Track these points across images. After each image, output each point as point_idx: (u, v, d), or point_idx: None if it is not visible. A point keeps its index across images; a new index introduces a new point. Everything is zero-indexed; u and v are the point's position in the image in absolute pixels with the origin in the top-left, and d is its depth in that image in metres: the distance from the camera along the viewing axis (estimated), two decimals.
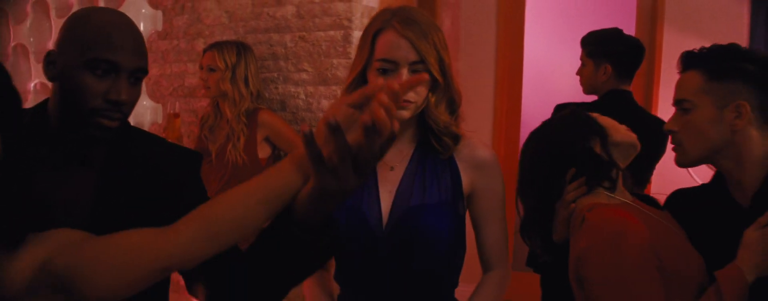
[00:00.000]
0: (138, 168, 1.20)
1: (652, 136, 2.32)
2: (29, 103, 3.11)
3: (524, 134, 2.90)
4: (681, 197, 1.55)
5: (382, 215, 1.39)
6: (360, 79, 1.37)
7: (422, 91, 1.34)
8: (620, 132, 1.50)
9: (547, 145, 1.49)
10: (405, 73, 1.30)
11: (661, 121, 2.61)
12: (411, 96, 1.32)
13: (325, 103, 2.52)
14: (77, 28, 1.17)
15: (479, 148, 1.43)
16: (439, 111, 1.37)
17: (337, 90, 2.50)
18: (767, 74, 1.38)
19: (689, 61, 1.43)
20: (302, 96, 2.60)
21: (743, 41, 3.76)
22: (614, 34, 2.50)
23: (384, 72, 1.31)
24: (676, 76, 2.58)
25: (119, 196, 1.16)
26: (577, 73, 2.58)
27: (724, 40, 3.42)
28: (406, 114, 1.33)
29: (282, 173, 0.88)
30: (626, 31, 3.40)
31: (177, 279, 3.07)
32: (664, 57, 3.70)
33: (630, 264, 1.27)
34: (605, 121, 1.51)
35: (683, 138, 1.42)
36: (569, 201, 1.44)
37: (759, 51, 1.42)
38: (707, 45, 3.05)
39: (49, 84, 1.23)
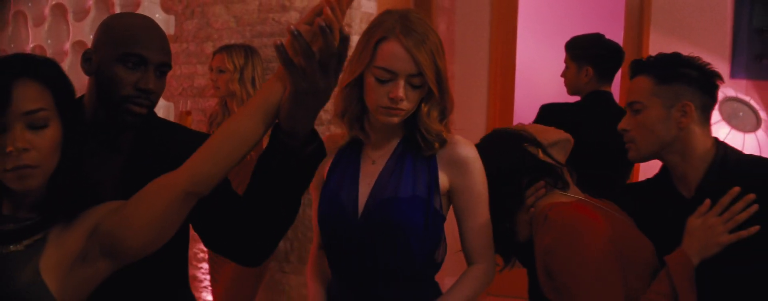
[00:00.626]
0: (161, 153, 1.35)
1: None
2: None
3: None
4: (629, 191, 1.71)
5: (358, 206, 1.45)
6: (356, 83, 1.42)
7: (415, 99, 1.39)
8: (550, 132, 1.64)
9: (494, 170, 1.55)
10: (402, 84, 1.36)
11: None
12: (404, 105, 1.38)
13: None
14: (111, 28, 1.35)
15: (459, 146, 1.46)
16: (431, 119, 1.42)
17: (336, 90, 2.67)
18: (707, 78, 1.55)
19: (638, 67, 1.59)
20: None
21: (727, 44, 3.91)
22: (595, 39, 2.66)
23: (382, 80, 1.36)
24: None
25: (144, 177, 1.34)
26: (562, 75, 2.74)
27: (708, 42, 3.59)
28: (396, 120, 1.40)
29: (264, 87, 1.07)
30: (615, 35, 3.54)
31: (194, 273, 3.21)
32: None
33: (593, 257, 1.38)
34: (531, 127, 1.64)
35: (635, 136, 1.57)
36: (529, 205, 1.54)
37: (698, 58, 1.58)
38: (692, 47, 3.22)
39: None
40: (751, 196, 1.43)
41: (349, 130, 1.49)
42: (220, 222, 1.22)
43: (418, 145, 1.45)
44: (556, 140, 1.64)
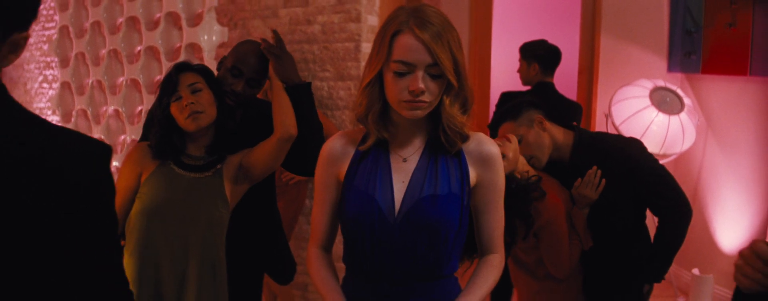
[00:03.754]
0: (256, 119, 2.15)
1: (572, 116, 3.36)
2: (122, 89, 4.16)
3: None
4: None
5: (394, 204, 1.42)
6: (377, 78, 1.40)
7: (436, 90, 1.36)
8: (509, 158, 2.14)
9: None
10: (420, 75, 1.33)
11: (577, 104, 3.65)
12: (426, 97, 1.35)
13: (343, 94, 3.57)
14: (235, 48, 2.17)
15: (485, 143, 1.47)
16: (454, 111, 1.39)
17: (351, 85, 3.54)
18: (534, 100, 2.35)
19: (497, 120, 2.36)
20: (325, 89, 3.62)
21: (664, 43, 4.67)
22: (540, 42, 3.53)
23: (400, 73, 1.34)
24: (610, 74, 3.66)
25: (250, 136, 2.11)
26: (517, 71, 3.63)
27: (649, 43, 4.45)
28: (420, 113, 1.38)
29: (272, 80, 2.03)
30: (572, 39, 4.35)
31: None
32: (602, 58, 4.56)
33: (563, 226, 2.20)
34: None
35: (532, 154, 2.31)
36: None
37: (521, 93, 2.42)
38: (636, 46, 4.14)
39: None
40: (594, 167, 2.24)
41: (375, 131, 1.45)
42: (291, 152, 2.06)
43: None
44: (517, 160, 2.15)
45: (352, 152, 1.49)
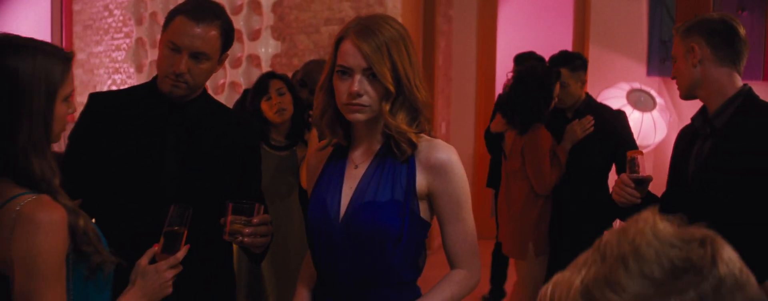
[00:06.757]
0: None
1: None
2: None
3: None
4: None
5: (340, 209, 1.44)
6: (326, 85, 1.45)
7: (374, 95, 1.37)
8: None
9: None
10: (357, 78, 1.37)
11: None
12: (364, 100, 1.37)
13: None
14: (305, 65, 3.05)
15: (437, 150, 1.42)
16: (396, 119, 1.39)
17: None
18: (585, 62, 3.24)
19: (557, 63, 3.17)
20: None
21: (644, 50, 5.39)
22: (529, 54, 4.34)
23: (343, 75, 1.39)
24: (598, 77, 4.55)
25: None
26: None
27: (631, 50, 5.31)
28: (360, 116, 1.39)
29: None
30: (565, 46, 5.11)
31: None
32: (590, 63, 4.97)
33: (546, 148, 3.02)
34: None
35: (565, 99, 3.12)
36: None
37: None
38: (619, 54, 5.04)
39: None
40: (590, 116, 3.01)
41: (330, 134, 1.50)
42: None
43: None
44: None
45: (324, 160, 1.55)
